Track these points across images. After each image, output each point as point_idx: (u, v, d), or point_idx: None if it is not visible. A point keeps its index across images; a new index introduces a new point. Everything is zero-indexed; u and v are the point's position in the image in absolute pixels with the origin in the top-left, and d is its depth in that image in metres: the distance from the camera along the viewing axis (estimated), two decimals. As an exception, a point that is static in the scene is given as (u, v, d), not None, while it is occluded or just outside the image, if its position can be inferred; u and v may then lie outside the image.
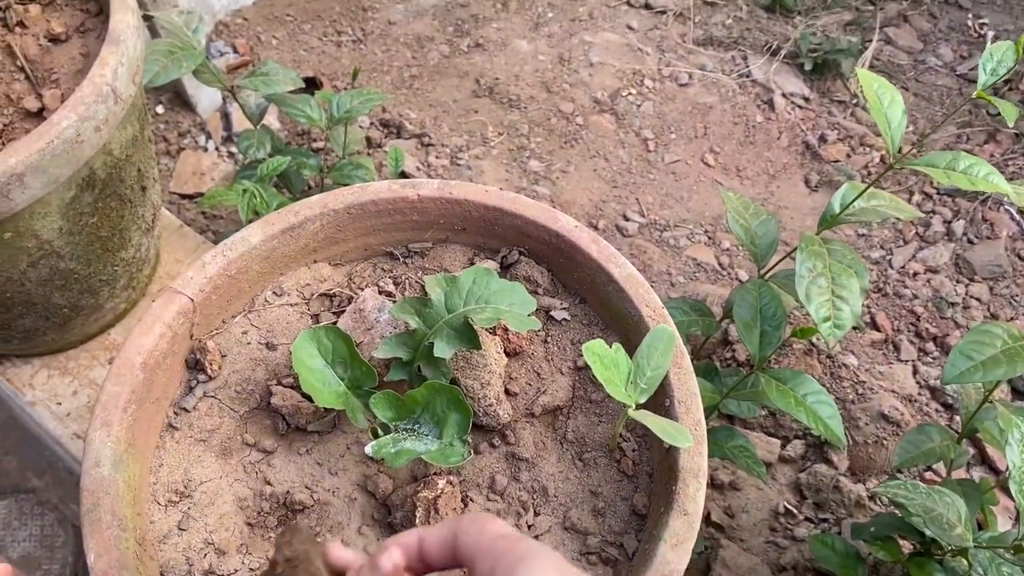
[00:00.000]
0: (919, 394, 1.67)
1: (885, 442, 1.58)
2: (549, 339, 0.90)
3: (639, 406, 0.76)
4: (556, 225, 0.89)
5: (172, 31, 1.34)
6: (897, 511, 1.21)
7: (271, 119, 2.02)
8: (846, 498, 1.54)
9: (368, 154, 1.93)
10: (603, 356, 0.74)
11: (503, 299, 0.80)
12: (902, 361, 1.72)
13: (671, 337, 0.78)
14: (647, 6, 2.36)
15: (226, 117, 2.01)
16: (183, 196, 1.85)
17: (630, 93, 2.11)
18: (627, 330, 0.86)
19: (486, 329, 0.87)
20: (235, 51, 2.09)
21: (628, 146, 2.01)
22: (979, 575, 1.03)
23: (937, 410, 1.66)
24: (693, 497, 0.73)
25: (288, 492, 0.81)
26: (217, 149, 1.97)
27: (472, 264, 0.94)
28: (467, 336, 0.80)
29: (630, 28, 2.29)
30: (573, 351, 0.89)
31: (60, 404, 1.27)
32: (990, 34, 2.32)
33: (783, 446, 1.59)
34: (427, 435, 0.78)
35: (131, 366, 0.80)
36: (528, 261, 0.93)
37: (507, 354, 0.88)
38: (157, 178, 1.30)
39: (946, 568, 1.16)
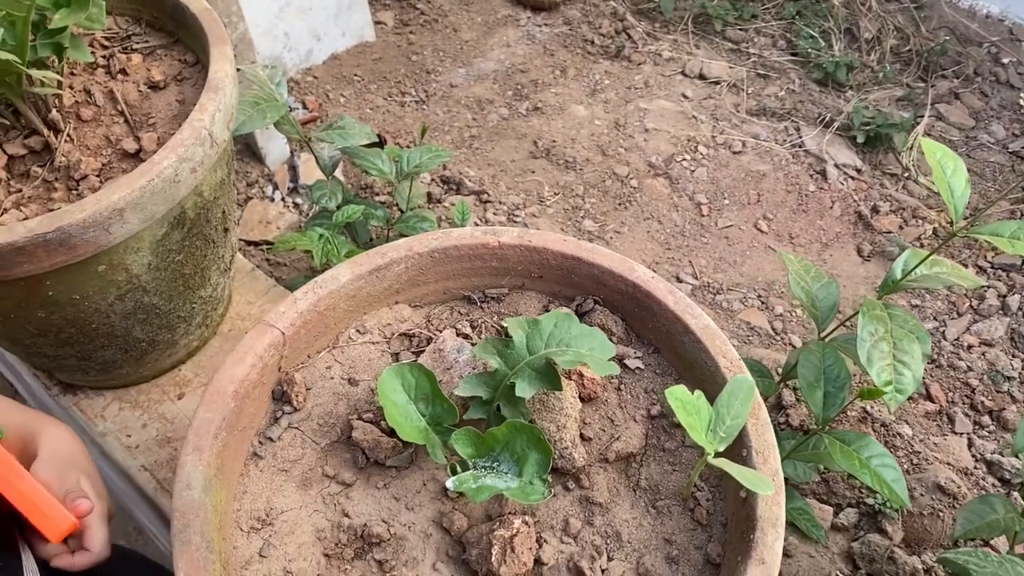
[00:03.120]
0: (975, 467, 1.65)
1: (941, 514, 1.55)
2: (623, 387, 0.92)
3: (717, 454, 0.77)
4: (633, 275, 0.92)
5: (257, 83, 1.41)
6: None
7: (337, 172, 2.08)
8: (901, 570, 1.51)
9: (429, 208, 1.98)
10: (686, 402, 0.76)
11: (584, 343, 0.82)
12: (957, 433, 1.71)
13: (751, 388, 0.80)
14: (701, 76, 2.42)
15: (293, 169, 2.08)
16: (249, 243, 1.91)
17: (684, 159, 2.16)
18: (702, 380, 0.88)
19: (562, 374, 0.89)
20: (304, 107, 2.18)
21: (682, 210, 2.05)
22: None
23: (994, 485, 1.63)
24: (771, 547, 0.74)
25: (366, 525, 0.83)
26: (283, 199, 2.03)
27: (547, 311, 0.97)
28: (548, 377, 0.82)
29: (684, 97, 2.34)
30: (646, 399, 0.91)
31: (130, 436, 1.30)
32: (1042, 113, 2.35)
33: (835, 514, 1.58)
34: (507, 473, 0.79)
35: (223, 394, 0.83)
36: (603, 310, 0.96)
37: (582, 399, 0.90)
38: (237, 222, 1.35)
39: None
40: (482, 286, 1.00)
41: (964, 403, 1.75)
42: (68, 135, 1.13)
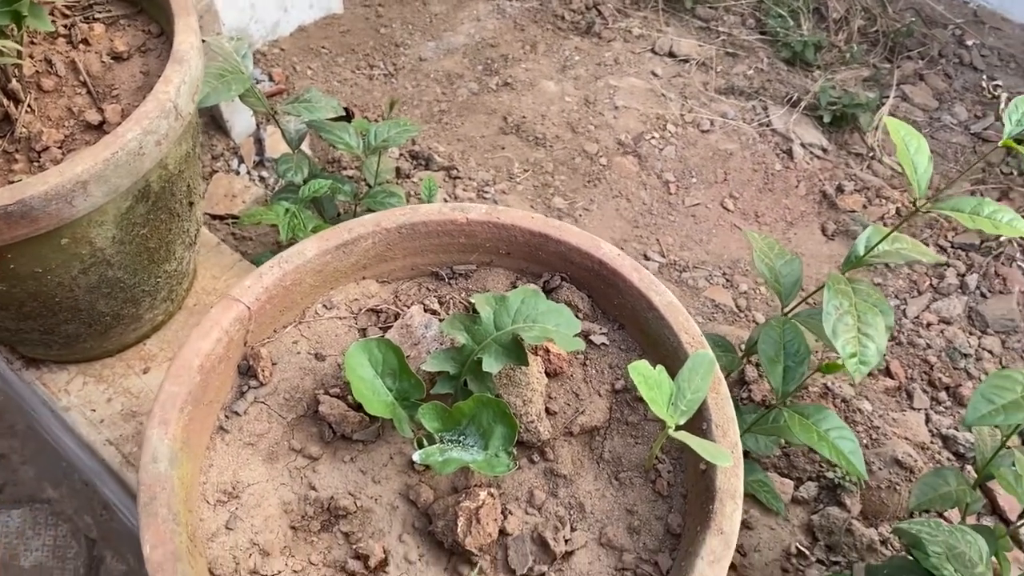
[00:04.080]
0: (931, 442, 1.69)
1: (898, 487, 1.59)
2: (588, 362, 0.93)
3: (678, 427, 0.79)
4: (599, 253, 0.93)
5: (223, 55, 1.40)
6: (911, 555, 1.23)
7: (304, 146, 2.06)
8: (858, 541, 1.55)
9: (398, 183, 1.97)
10: (648, 377, 0.77)
11: (550, 319, 0.83)
12: (915, 409, 1.75)
13: (711, 363, 0.81)
14: (671, 54, 2.42)
15: (259, 143, 2.06)
16: (214, 217, 1.89)
17: (653, 137, 2.17)
18: (665, 356, 0.89)
19: (528, 349, 0.90)
20: (271, 79, 2.15)
21: (650, 188, 2.06)
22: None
23: (949, 459, 1.67)
24: (730, 517, 0.76)
25: (332, 498, 0.84)
26: (249, 173, 2.01)
27: (515, 287, 0.98)
28: (515, 353, 0.83)
29: (654, 74, 2.35)
30: (611, 374, 0.93)
31: (94, 411, 1.30)
32: (1004, 95, 2.38)
33: (796, 487, 1.61)
34: (473, 446, 0.80)
35: (189, 368, 0.83)
36: (569, 287, 0.97)
37: (548, 374, 0.91)
38: (203, 195, 1.34)
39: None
40: (450, 262, 1.00)
41: (922, 379, 1.79)
42: (29, 106, 1.11)
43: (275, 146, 2.05)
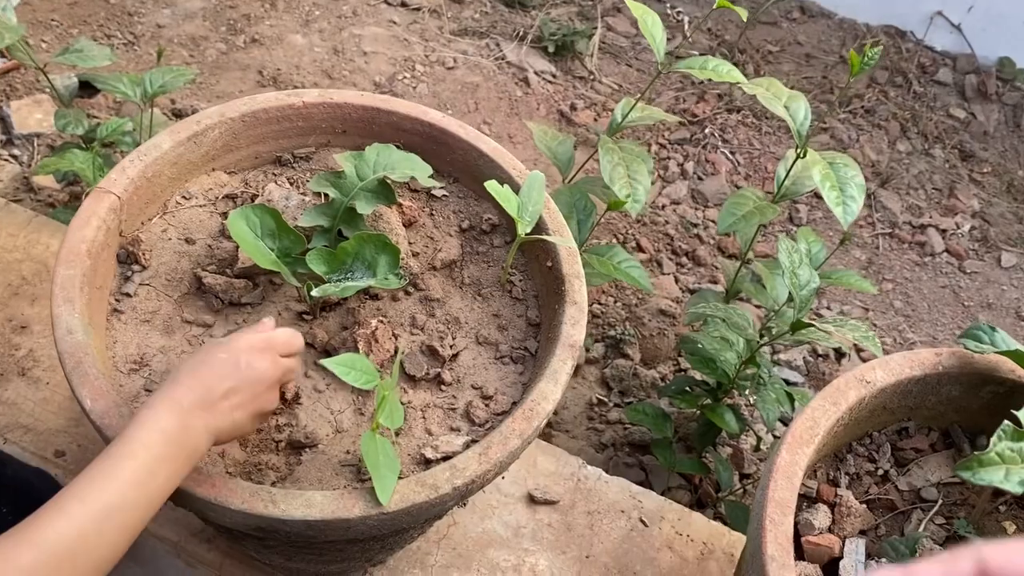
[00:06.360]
0: (683, 296, 2.03)
1: (666, 332, 1.91)
2: (434, 212, 1.09)
3: (527, 235, 0.97)
4: (427, 117, 1.08)
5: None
6: (690, 371, 1.51)
7: (48, 121, 1.98)
8: (644, 382, 1.84)
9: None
10: (500, 192, 0.94)
11: (406, 164, 0.98)
12: (665, 274, 2.08)
13: (543, 181, 1.00)
14: (403, 4, 2.59)
15: (3, 120, 1.95)
16: (-29, 196, 1.78)
17: (405, 77, 2.33)
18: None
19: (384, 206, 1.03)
20: (2, 55, 2.04)
21: (411, 122, 2.22)
22: (764, 377, 1.35)
23: (699, 307, 2.02)
24: (579, 291, 0.95)
25: (236, 353, 0.92)
26: (-3, 152, 1.91)
27: (355, 162, 1.10)
28: (384, 193, 0.96)
29: (392, 22, 2.51)
30: (456, 218, 1.08)
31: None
32: (685, 19, 2.82)
33: (587, 349, 1.87)
34: (362, 278, 0.93)
35: (78, 252, 0.87)
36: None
37: (404, 225, 1.05)
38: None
39: (731, 408, 1.47)
40: (291, 147, 1.10)
41: (667, 250, 2.13)
42: None
43: (23, 122, 1.95)
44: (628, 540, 1.25)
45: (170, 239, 0.99)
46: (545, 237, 0.93)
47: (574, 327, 0.92)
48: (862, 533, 0.97)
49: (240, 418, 0.75)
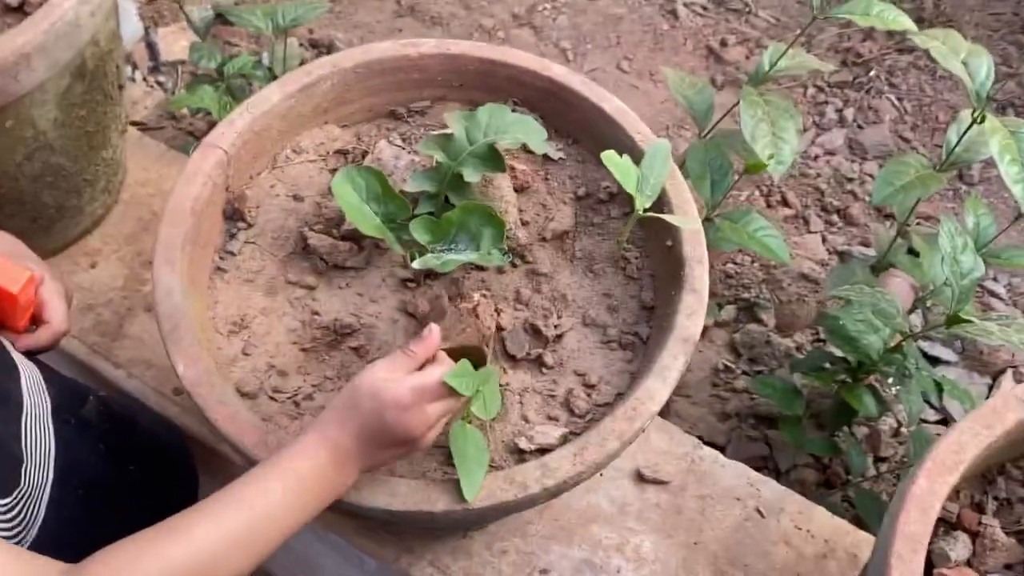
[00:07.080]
0: (829, 259, 1.87)
1: (806, 299, 1.77)
2: (549, 176, 1.01)
3: (646, 211, 0.88)
4: (549, 72, 1.00)
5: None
6: (828, 344, 1.39)
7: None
8: (777, 351, 1.72)
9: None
10: (618, 164, 0.86)
11: (519, 128, 0.90)
12: (812, 232, 1.92)
13: (667, 150, 0.90)
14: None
15: (151, 47, 2.00)
16: (119, 123, 1.85)
17: (545, 8, 2.22)
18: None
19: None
20: (152, -21, 2.08)
21: (549, 57, 2.11)
22: (911, 368, 1.22)
23: (846, 271, 1.86)
24: (700, 278, 0.87)
25: (336, 319, 0.90)
26: (145, 79, 1.96)
27: (470, 117, 1.04)
28: (492, 160, 0.89)
29: (536, -52, 2.39)
30: (572, 184, 1.01)
31: (48, 308, 1.29)
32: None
33: (717, 311, 1.76)
34: (465, 250, 0.87)
35: (182, 211, 0.86)
36: (522, 110, 1.03)
37: (516, 190, 0.98)
38: (126, 80, 1.32)
39: (871, 389, 1.35)
40: (405, 101, 1.05)
41: (816, 206, 1.96)
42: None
43: (169, 49, 2.00)
44: (741, 530, 1.17)
45: (278, 196, 0.97)
46: (665, 217, 0.84)
47: (690, 318, 0.83)
48: (1007, 568, 0.86)
49: (390, 459, 0.75)
